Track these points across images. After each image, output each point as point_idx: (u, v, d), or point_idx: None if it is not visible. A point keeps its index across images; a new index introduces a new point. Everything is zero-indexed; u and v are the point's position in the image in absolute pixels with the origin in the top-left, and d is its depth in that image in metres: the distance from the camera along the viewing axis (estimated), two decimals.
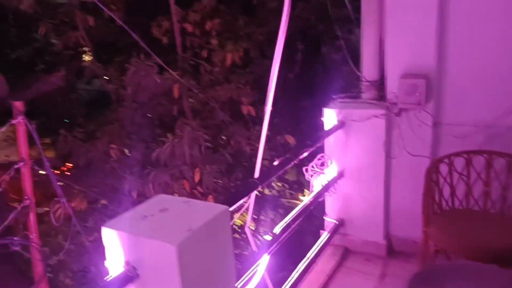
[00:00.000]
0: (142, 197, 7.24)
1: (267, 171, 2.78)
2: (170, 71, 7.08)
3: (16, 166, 5.31)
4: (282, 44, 3.34)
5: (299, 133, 7.28)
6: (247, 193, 2.22)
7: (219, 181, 7.14)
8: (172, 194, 6.90)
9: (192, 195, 6.83)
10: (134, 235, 1.64)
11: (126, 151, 8.13)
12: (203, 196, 6.80)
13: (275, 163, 2.55)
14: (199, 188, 6.95)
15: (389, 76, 3.36)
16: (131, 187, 6.96)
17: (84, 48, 9.18)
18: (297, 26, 7.77)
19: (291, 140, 6.83)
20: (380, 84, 3.50)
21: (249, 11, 8.76)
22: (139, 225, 1.68)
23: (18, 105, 5.19)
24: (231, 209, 1.93)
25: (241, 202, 2.12)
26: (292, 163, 2.65)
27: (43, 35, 8.65)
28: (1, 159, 11.61)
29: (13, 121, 5.20)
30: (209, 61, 7.84)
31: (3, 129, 5.75)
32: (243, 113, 7.39)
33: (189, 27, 7.72)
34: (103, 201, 7.87)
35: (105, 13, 8.63)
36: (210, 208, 1.78)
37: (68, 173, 8.89)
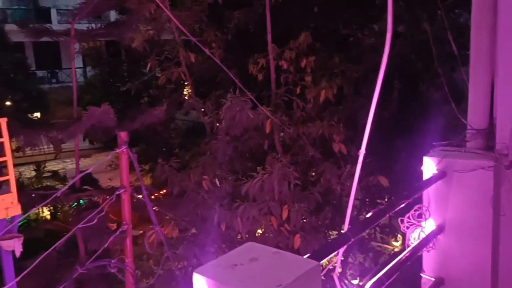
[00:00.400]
0: (230, 230, 7.34)
1: (360, 223, 2.64)
2: (261, 107, 7.23)
3: (117, 193, 5.71)
4: (380, 82, 3.22)
5: (393, 175, 6.94)
6: (338, 247, 2.12)
7: (307, 219, 7.01)
8: (259, 229, 6.92)
9: (279, 233, 6.77)
10: (223, 285, 1.63)
11: (217, 182, 8.36)
12: (290, 234, 6.70)
13: (369, 214, 2.42)
14: (286, 225, 6.88)
15: (500, 123, 3.07)
16: (220, 219, 7.09)
17: (185, 83, 9.76)
18: (394, 63, 7.56)
19: (384, 181, 6.53)
20: (488, 133, 3.21)
21: (344, 48, 8.72)
22: (228, 274, 1.67)
23: (123, 135, 5.61)
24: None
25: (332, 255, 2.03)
26: (388, 215, 2.50)
27: (149, 70, 9.37)
28: (105, 183, 12.59)
29: (118, 150, 5.63)
30: (302, 98, 7.87)
31: (109, 157, 6.23)
32: (334, 151, 7.25)
33: (284, 64, 7.87)
34: (193, 230, 8.11)
35: (205, 51, 9.16)
36: (300, 263, 1.72)
37: (162, 200, 9.33)
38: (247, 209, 6.78)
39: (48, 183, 17.02)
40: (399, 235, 7.71)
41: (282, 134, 7.93)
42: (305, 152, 7.82)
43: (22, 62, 19.55)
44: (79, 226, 5.14)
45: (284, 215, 6.78)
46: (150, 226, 5.62)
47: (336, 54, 8.23)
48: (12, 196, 5.26)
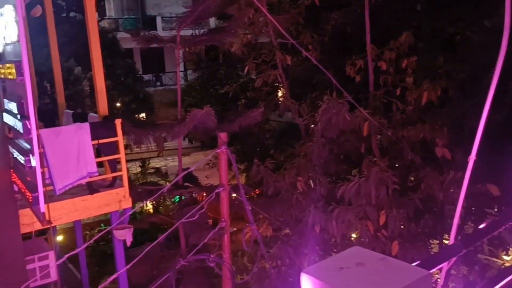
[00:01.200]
0: (325, 232, 7.29)
1: (472, 234, 2.48)
2: (360, 109, 7.09)
3: (216, 191, 5.96)
4: (495, 83, 3.01)
5: (504, 183, 6.39)
6: (449, 257, 2.02)
7: (405, 226, 6.73)
8: (354, 233, 6.78)
9: (375, 238, 6.58)
10: (330, 286, 1.64)
11: (312, 184, 8.35)
12: (388, 241, 6.48)
13: (482, 226, 2.26)
14: (383, 231, 6.66)
15: None
16: (315, 221, 7.08)
17: (280, 85, 9.90)
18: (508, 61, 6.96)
19: (494, 190, 6.04)
20: None
21: (449, 47, 8.22)
22: (335, 277, 1.68)
23: (223, 136, 5.84)
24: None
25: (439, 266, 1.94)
26: (504, 227, 2.32)
27: (246, 73, 9.65)
28: (202, 180, 13.20)
29: (218, 150, 5.88)
30: (402, 100, 7.57)
31: (209, 156, 6.51)
32: (435, 155, 6.87)
33: (383, 65, 7.63)
34: (287, 231, 8.18)
35: (302, 53, 9.21)
36: (410, 271, 1.67)
37: (257, 199, 9.54)
38: (342, 213, 6.68)
39: (151, 179, 18.27)
40: (511, 249, 7.08)
41: (379, 137, 7.69)
42: (404, 156, 7.51)
43: (131, 67, 21.22)
44: (182, 220, 5.46)
45: (381, 221, 6.58)
46: (247, 225, 5.77)
47: (440, 54, 7.79)
48: (124, 190, 5.75)
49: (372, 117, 7.30)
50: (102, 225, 16.39)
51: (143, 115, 22.68)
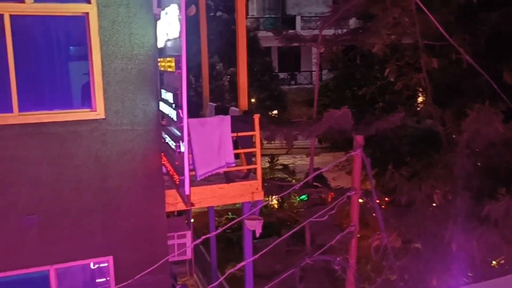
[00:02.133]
0: (463, 252, 6.68)
1: None
2: None
3: (348, 194, 5.84)
4: None
5: None
6: None
7: None
8: (500, 258, 6.09)
9: None
10: None
11: (450, 198, 7.72)
12: None
13: None
14: None
15: None
16: (452, 238, 6.52)
17: (422, 89, 9.30)
18: None
19: None
20: None
21: None
22: None
23: (359, 139, 5.69)
24: None
25: None
26: None
27: (386, 75, 9.26)
28: (330, 182, 13.08)
29: (353, 153, 5.75)
30: None
31: (343, 158, 6.41)
32: None
33: None
34: (417, 244, 7.69)
35: (450, 56, 8.52)
36: None
37: (387, 207, 9.13)
38: (486, 233, 6.05)
39: (278, 175, 18.71)
40: None
41: None
42: None
43: (268, 65, 21.92)
44: (311, 220, 5.46)
45: None
46: (377, 232, 5.56)
47: None
48: (257, 183, 5.96)
49: None
50: (229, 213, 17.29)
51: (275, 112, 23.31)
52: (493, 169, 7.85)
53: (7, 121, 4.78)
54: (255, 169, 6.00)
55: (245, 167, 6.05)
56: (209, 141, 5.56)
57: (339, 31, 6.99)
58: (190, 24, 9.49)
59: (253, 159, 6.17)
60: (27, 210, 4.94)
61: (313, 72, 26.94)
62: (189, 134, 5.46)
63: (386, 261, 6.80)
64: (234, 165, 5.76)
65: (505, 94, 7.71)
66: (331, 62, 14.93)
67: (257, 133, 5.89)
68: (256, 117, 5.88)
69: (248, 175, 6.05)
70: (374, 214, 7.24)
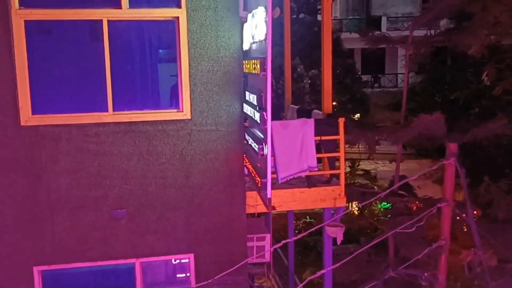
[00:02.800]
0: None
1: None
2: None
3: (439, 205, 5.44)
4: None
5: None
6: None
7: None
8: None
9: None
10: None
11: None
12: None
13: None
14: None
15: None
16: None
17: None
18: None
19: None
20: None
21: None
22: None
23: (453, 147, 5.27)
24: None
25: None
26: None
27: (483, 79, 8.57)
28: (417, 191, 12.39)
29: (445, 162, 5.34)
30: None
31: (435, 167, 6.00)
32: None
33: None
34: None
35: None
36: None
37: (482, 222, 8.43)
38: None
39: (359, 180, 18.15)
40: None
41: None
42: None
43: (351, 67, 21.40)
44: (397, 230, 5.16)
45: None
46: (472, 248, 5.11)
47: None
48: (340, 189, 5.76)
49: None
50: (307, 217, 17.08)
51: (357, 115, 22.68)
52: None
53: (103, 119, 5.06)
54: (338, 174, 5.82)
55: (327, 172, 5.89)
56: (291, 144, 5.48)
57: (431, 31, 6.56)
58: (274, 26, 9.52)
59: (336, 163, 5.99)
60: (117, 203, 5.22)
61: (398, 75, 25.87)
62: (271, 136, 5.43)
63: (479, 280, 6.25)
64: (316, 169, 5.63)
65: None
66: (419, 64, 14.16)
67: (341, 137, 5.70)
68: (341, 120, 5.69)
69: (330, 180, 5.88)
70: (465, 229, 6.71)
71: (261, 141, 4.51)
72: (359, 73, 24.98)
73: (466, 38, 6.68)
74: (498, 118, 6.06)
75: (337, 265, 5.30)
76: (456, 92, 9.33)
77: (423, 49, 6.98)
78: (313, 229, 5.74)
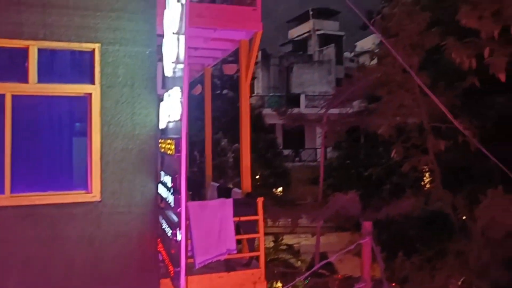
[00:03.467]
0: None
1: None
2: None
3: (357, 286, 5.40)
4: None
5: None
6: None
7: None
8: None
9: None
10: None
11: None
12: None
13: None
14: None
15: None
16: None
17: (431, 172, 9.09)
18: None
19: None
20: None
21: None
22: None
23: (368, 226, 5.37)
24: None
25: None
26: None
27: (392, 157, 9.08)
28: (338, 265, 12.45)
29: (361, 241, 5.40)
30: None
31: (351, 247, 6.03)
32: None
33: None
34: None
35: (458, 138, 8.41)
36: None
37: None
38: None
39: (283, 256, 17.96)
40: None
41: None
42: None
43: (272, 142, 21.99)
44: None
45: None
46: None
47: None
48: (260, 272, 5.54)
49: None
50: None
51: (280, 189, 22.99)
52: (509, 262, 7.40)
53: None
54: (258, 256, 5.62)
55: (247, 254, 5.68)
56: (209, 226, 5.26)
57: (344, 112, 6.93)
58: (196, 102, 9.60)
59: (256, 244, 5.81)
60: None
61: (317, 149, 27.00)
62: (188, 219, 5.17)
63: None
64: (235, 251, 5.40)
65: None
66: (335, 141, 14.92)
67: (260, 217, 5.58)
68: (260, 200, 5.61)
69: (250, 263, 5.66)
70: None
71: (175, 226, 4.25)
72: (281, 147, 25.75)
73: (376, 119, 7.11)
74: (407, 197, 6.37)
75: None
76: (369, 168, 9.83)
77: (338, 127, 7.30)
78: None
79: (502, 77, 6.73)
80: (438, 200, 8.49)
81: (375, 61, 9.30)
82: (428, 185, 9.30)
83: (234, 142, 20.64)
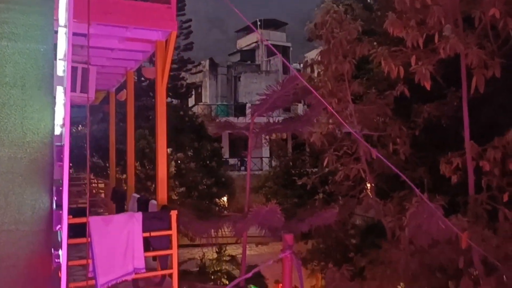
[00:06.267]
0: None
1: None
2: (443, 219, 5.91)
3: None
4: None
5: None
6: None
7: None
8: None
9: None
10: None
11: None
12: None
13: None
14: None
15: None
16: None
17: (362, 180, 8.99)
18: None
19: None
20: None
21: None
22: None
23: (289, 239, 5.04)
24: None
25: None
26: None
27: (325, 165, 8.92)
28: (269, 273, 12.12)
29: (281, 255, 5.08)
30: None
31: (270, 262, 5.69)
32: None
33: (486, 165, 6.50)
34: None
35: (389, 146, 8.36)
36: None
37: None
38: None
39: (226, 267, 17.51)
40: None
41: (483, 251, 6.35)
42: None
43: (217, 151, 21.57)
44: None
45: None
46: None
47: None
48: None
49: (473, 226, 6.09)
50: None
51: (224, 199, 22.55)
52: (442, 269, 7.35)
53: None
54: (171, 274, 5.16)
55: (158, 273, 5.20)
56: (114, 243, 4.74)
57: (271, 119, 6.64)
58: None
59: (170, 262, 5.34)
60: None
61: (263, 158, 26.83)
62: (90, 235, 4.65)
63: None
64: (144, 271, 4.91)
65: (444, 186, 7.46)
66: (272, 150, 14.74)
67: (174, 232, 5.13)
68: (174, 213, 5.16)
69: (162, 282, 5.18)
70: None
71: (57, 246, 3.72)
72: (227, 156, 25.37)
73: (304, 126, 6.88)
74: (331, 207, 6.15)
75: None
76: (304, 177, 9.64)
77: (265, 135, 7.00)
78: None
79: (428, 85, 6.70)
80: (370, 208, 8.39)
81: (316, 71, 9.17)
82: (362, 193, 9.19)
83: (178, 151, 20.04)
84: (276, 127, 6.54)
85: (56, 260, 3.66)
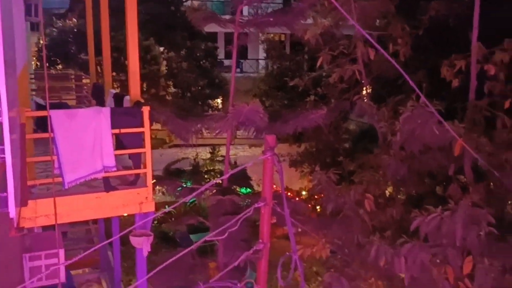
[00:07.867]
0: (391, 268, 5.90)
1: None
2: (445, 123, 5.52)
3: (256, 206, 4.86)
4: None
5: None
6: None
7: (500, 279, 5.15)
8: (429, 278, 5.33)
9: None
10: None
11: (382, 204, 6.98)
12: None
13: None
14: (467, 282, 5.17)
15: None
16: (379, 253, 5.70)
17: (360, 82, 8.48)
18: None
19: None
20: None
21: None
22: None
23: (271, 140, 4.69)
24: None
25: None
26: None
27: (319, 66, 8.34)
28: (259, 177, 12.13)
29: (262, 157, 4.77)
30: None
31: (250, 164, 5.40)
32: None
33: (491, 69, 5.97)
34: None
35: (389, 47, 7.73)
36: None
37: (312, 219, 8.30)
38: (415, 250, 5.26)
39: (219, 167, 17.68)
40: None
41: (476, 159, 6.08)
42: (507, 186, 5.85)
43: (211, 51, 20.68)
44: (219, 231, 4.45)
45: (466, 269, 5.08)
46: (287, 253, 4.62)
47: None
48: (147, 191, 4.87)
49: (469, 133, 5.74)
50: (166, 206, 16.00)
51: (219, 100, 22.15)
52: (430, 174, 7.17)
53: None
54: (145, 174, 4.90)
55: (131, 172, 4.94)
56: (79, 139, 4.40)
57: (259, 11, 5.95)
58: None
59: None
60: None
61: (259, 60, 25.94)
62: (52, 130, 4.28)
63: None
64: (115, 169, 4.64)
65: (443, 91, 7.01)
66: (266, 50, 13.96)
67: (146, 129, 4.77)
68: (146, 109, 4.76)
69: (136, 181, 4.94)
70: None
71: None
72: (222, 57, 24.42)
73: (296, 21, 6.20)
74: (320, 109, 5.71)
75: (151, 273, 4.43)
76: (295, 78, 9.09)
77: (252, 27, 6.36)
78: (119, 235, 4.75)
79: None
80: (364, 113, 7.98)
81: None
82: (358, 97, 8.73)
83: (170, 49, 19.16)
84: (265, 20, 5.87)
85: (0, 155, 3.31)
